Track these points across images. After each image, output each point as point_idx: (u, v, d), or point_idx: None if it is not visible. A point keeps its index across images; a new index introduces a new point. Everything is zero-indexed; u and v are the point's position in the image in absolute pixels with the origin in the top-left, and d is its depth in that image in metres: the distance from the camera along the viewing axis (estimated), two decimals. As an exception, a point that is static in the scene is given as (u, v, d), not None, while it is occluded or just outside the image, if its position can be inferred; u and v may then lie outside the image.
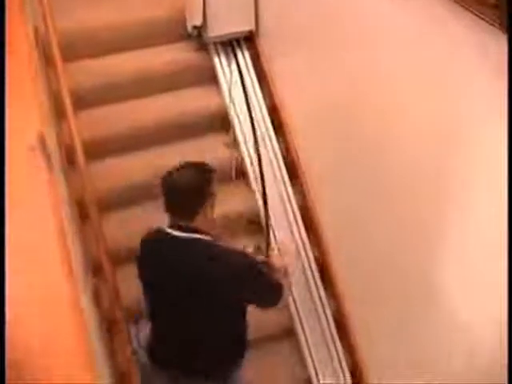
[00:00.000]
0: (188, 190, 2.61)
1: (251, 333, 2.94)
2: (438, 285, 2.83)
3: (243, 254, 2.78)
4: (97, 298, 3.44)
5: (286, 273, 2.89)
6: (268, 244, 3.09)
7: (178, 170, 2.65)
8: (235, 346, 2.87)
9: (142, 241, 2.84)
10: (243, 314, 2.83)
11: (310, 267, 3.87)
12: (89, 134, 3.82)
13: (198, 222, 2.63)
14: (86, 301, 3.14)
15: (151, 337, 2.93)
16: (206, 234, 2.65)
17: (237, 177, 4.09)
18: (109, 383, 3.10)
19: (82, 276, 3.30)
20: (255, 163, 4.00)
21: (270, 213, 3.59)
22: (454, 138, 2.57)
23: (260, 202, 3.78)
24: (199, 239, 2.63)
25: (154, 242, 2.78)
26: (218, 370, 2.85)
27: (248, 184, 4.07)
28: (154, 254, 2.78)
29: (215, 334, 2.75)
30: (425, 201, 2.85)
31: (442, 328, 2.88)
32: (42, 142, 2.73)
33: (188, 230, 2.62)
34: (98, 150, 3.88)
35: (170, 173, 2.65)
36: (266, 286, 2.75)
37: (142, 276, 2.85)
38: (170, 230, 2.66)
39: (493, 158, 2.32)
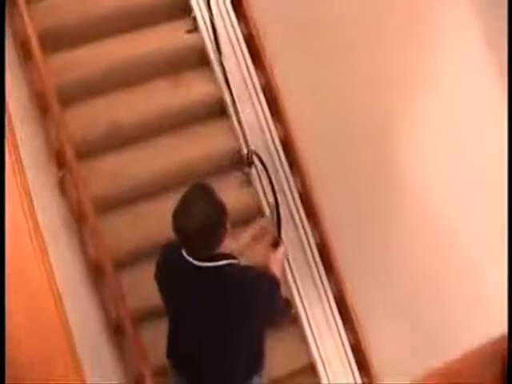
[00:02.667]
0: (205, 232, 2.35)
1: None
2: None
3: (268, 278, 2.62)
4: (63, 190, 3.46)
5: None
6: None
7: (185, 206, 2.36)
8: (257, 358, 2.77)
9: (159, 262, 2.65)
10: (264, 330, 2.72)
11: (276, 148, 3.88)
12: (43, 25, 3.67)
13: (220, 248, 2.45)
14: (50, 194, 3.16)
15: (169, 337, 2.78)
16: (228, 256, 2.48)
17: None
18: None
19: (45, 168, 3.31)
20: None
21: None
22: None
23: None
24: (224, 266, 2.44)
25: (176, 270, 2.54)
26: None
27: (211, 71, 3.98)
28: (175, 282, 2.57)
29: (238, 352, 2.64)
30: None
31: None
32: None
33: (212, 259, 2.43)
34: (55, 42, 3.74)
35: (178, 214, 2.36)
36: (281, 311, 2.70)
37: (162, 292, 2.65)
38: (191, 260, 2.45)
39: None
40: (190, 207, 2.34)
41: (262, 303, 2.52)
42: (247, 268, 2.56)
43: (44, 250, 2.08)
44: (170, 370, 2.86)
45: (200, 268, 2.41)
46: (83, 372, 2.02)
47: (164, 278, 2.61)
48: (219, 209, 2.38)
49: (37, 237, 2.08)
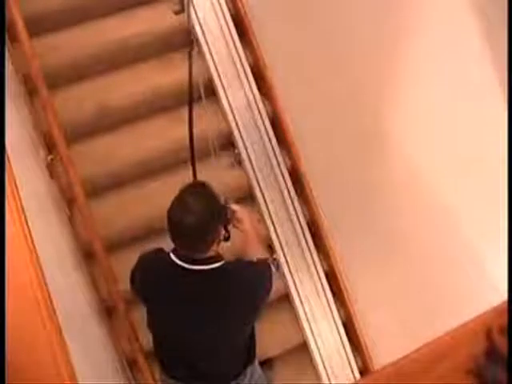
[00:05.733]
0: (202, 230, 2.28)
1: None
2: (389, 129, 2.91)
3: (258, 268, 2.57)
4: (52, 174, 3.47)
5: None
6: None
7: (183, 205, 2.27)
8: (249, 349, 2.73)
9: (144, 268, 2.54)
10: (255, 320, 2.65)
11: (263, 122, 3.90)
12: (29, 8, 3.64)
13: (213, 249, 2.39)
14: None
15: (157, 348, 2.74)
16: (217, 258, 2.40)
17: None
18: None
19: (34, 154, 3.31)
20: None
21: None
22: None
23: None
24: (217, 269, 2.38)
25: (166, 277, 2.46)
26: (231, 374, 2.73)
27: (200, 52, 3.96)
28: (166, 288, 2.47)
29: (234, 344, 2.61)
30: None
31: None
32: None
33: (204, 262, 2.36)
34: (42, 24, 3.73)
35: (175, 210, 2.27)
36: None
37: (148, 303, 2.56)
38: (181, 263, 2.36)
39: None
40: (187, 203, 2.27)
41: (256, 299, 2.48)
42: (238, 266, 2.51)
43: (28, 235, 2.07)
44: (163, 374, 2.79)
45: (189, 270, 2.35)
46: (70, 356, 2.02)
47: (147, 285, 2.52)
48: (217, 211, 2.34)
49: (20, 221, 2.08)
